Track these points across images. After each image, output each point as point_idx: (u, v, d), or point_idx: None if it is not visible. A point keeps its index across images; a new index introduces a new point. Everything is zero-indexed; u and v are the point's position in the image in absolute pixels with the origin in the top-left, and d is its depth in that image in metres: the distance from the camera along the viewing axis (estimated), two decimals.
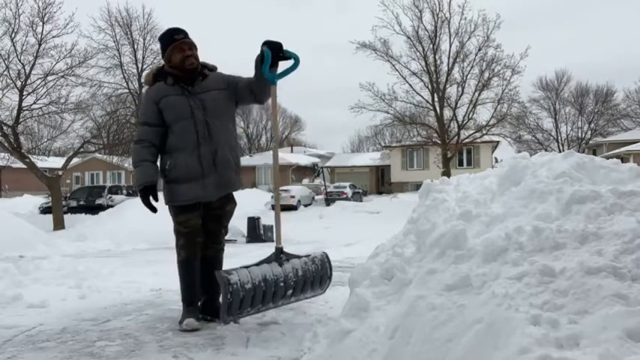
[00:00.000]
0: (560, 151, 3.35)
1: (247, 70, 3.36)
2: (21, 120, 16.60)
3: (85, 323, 3.53)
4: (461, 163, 32.93)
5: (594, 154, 22.35)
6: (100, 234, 11.93)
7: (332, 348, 2.44)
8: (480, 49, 24.67)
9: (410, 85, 25.79)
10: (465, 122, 25.45)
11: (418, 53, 25.57)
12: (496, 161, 33.00)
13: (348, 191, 30.25)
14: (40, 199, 26.59)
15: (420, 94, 25.94)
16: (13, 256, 8.21)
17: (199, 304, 3.42)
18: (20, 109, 16.36)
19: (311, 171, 42.31)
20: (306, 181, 38.17)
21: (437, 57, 25.45)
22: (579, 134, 46.34)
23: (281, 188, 29.35)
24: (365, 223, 19.49)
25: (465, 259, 2.40)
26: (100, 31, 22.22)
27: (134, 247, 11.01)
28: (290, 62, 3.16)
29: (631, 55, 70.52)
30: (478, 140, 27.54)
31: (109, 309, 3.98)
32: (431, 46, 25.40)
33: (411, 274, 2.58)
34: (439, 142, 25.72)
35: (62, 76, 16.94)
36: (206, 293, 3.43)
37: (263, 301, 3.08)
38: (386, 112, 26.25)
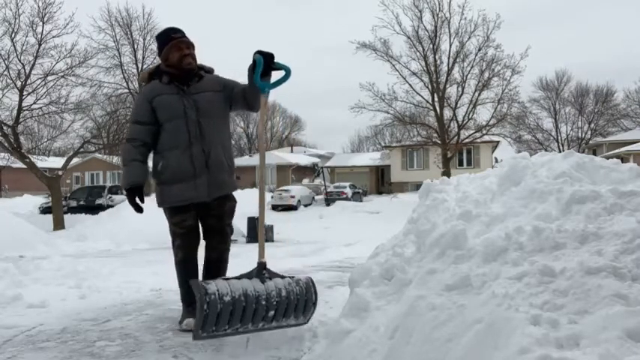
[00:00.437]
0: (560, 151, 3.35)
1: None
2: (21, 120, 16.60)
3: (85, 323, 3.53)
4: (461, 163, 32.93)
5: (594, 154, 22.36)
6: (100, 234, 11.92)
7: (332, 348, 2.44)
8: (479, 49, 24.73)
9: (410, 85, 25.87)
10: (465, 122, 25.47)
11: (418, 53, 25.64)
12: (496, 161, 32.99)
13: (348, 191, 30.25)
14: (40, 199, 26.59)
15: (420, 94, 26.01)
16: (13, 256, 8.21)
17: None
18: (20, 109, 16.36)
19: (311, 171, 42.31)
20: (306, 181, 38.17)
21: (437, 57, 25.49)
22: (579, 134, 46.37)
23: (281, 188, 29.47)
24: (365, 223, 19.50)
25: (465, 259, 2.40)
26: (100, 31, 22.31)
27: (134, 247, 11.01)
28: (281, 73, 3.14)
29: (631, 55, 70.60)
30: (478, 140, 27.56)
31: (109, 309, 3.98)
32: (431, 46, 25.43)
33: (411, 274, 2.58)
34: (439, 142, 25.73)
35: (62, 76, 16.94)
36: None
37: (242, 319, 2.75)
38: (386, 112, 26.30)
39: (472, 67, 25.05)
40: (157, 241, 10.38)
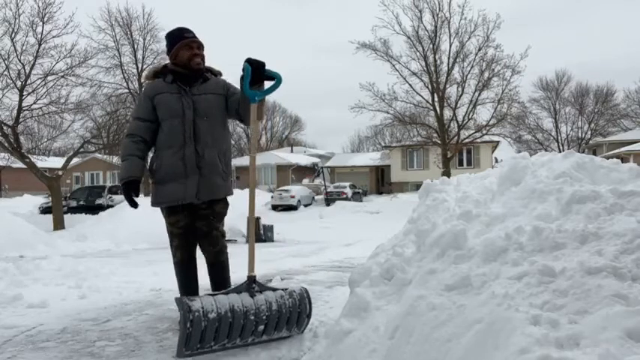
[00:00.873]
0: (560, 151, 3.35)
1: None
2: (21, 120, 16.59)
3: (85, 323, 3.53)
4: (461, 163, 32.92)
5: (594, 154, 22.35)
6: (100, 234, 11.93)
7: (332, 348, 2.44)
8: (479, 49, 24.71)
9: (410, 85, 25.85)
10: (465, 122, 25.46)
11: (418, 53, 25.62)
12: (496, 161, 33.00)
13: (348, 191, 30.25)
14: (40, 199, 26.58)
15: (420, 94, 25.99)
16: (13, 256, 8.21)
17: None
18: (20, 109, 16.35)
19: (311, 171, 42.31)
20: (306, 181, 38.15)
21: (437, 57, 25.48)
22: (579, 134, 46.38)
23: (281, 188, 29.47)
24: (365, 223, 19.50)
25: (465, 259, 2.40)
26: (100, 31, 22.29)
27: (134, 247, 11.01)
28: (272, 82, 3.11)
29: (631, 55, 70.57)
30: (478, 140, 27.54)
31: (109, 309, 3.98)
32: (431, 46, 25.42)
33: (411, 274, 2.58)
34: (439, 142, 25.73)
35: (62, 76, 16.93)
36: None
37: (229, 335, 2.70)
38: (386, 112, 26.29)
39: (472, 67, 25.06)
40: (156, 241, 10.38)
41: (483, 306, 1.99)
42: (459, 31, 24.97)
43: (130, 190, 3.17)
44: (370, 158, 38.83)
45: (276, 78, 3.08)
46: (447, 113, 25.81)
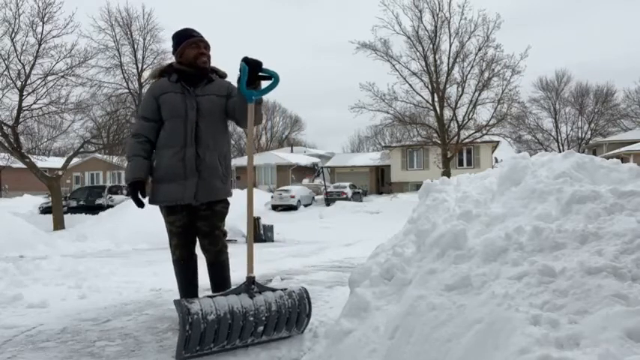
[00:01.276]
0: (560, 151, 3.35)
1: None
2: (21, 120, 16.60)
3: (85, 323, 3.53)
4: (461, 163, 32.92)
5: (594, 154, 22.35)
6: (100, 234, 11.93)
7: (332, 348, 2.44)
8: (479, 49, 24.69)
9: (410, 85, 25.83)
10: (465, 122, 25.45)
11: (418, 53, 25.61)
12: (496, 161, 32.99)
13: (348, 191, 30.24)
14: (40, 199, 26.59)
15: (420, 94, 25.98)
16: (13, 256, 8.21)
17: None
18: (20, 109, 16.36)
19: (311, 171, 42.31)
20: (306, 181, 38.16)
21: (437, 57, 25.47)
22: (579, 134, 46.39)
23: (281, 188, 29.46)
24: (365, 223, 19.49)
25: (465, 259, 2.40)
26: (100, 31, 22.24)
27: (134, 247, 11.01)
28: (269, 81, 3.10)
29: (631, 55, 70.58)
30: (478, 140, 27.53)
31: (109, 309, 3.98)
32: (431, 46, 25.41)
33: (411, 274, 2.58)
34: (439, 142, 25.73)
35: (62, 76, 16.94)
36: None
37: (229, 337, 2.70)
38: (386, 112, 26.27)
39: (472, 67, 25.04)
40: (156, 241, 10.38)
41: (483, 306, 1.99)
42: (459, 31, 24.98)
43: (136, 191, 3.18)
44: (370, 158, 38.82)
45: (273, 77, 3.06)
46: (447, 113, 25.83)
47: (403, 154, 35.79)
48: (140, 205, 3.23)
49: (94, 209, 20.22)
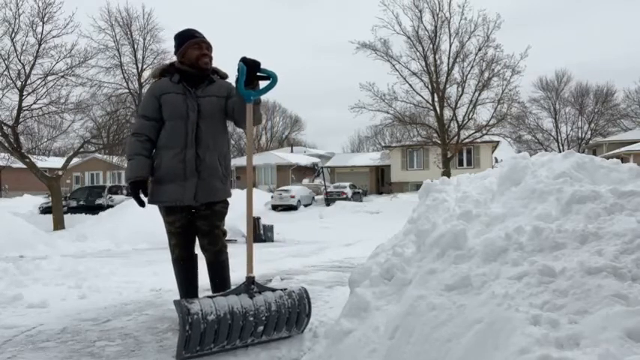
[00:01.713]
0: (560, 151, 3.35)
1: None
2: (21, 120, 16.59)
3: (85, 323, 3.53)
4: (461, 163, 32.92)
5: (594, 154, 22.35)
6: (100, 234, 11.93)
7: (332, 348, 2.44)
8: (479, 49, 24.70)
9: (410, 85, 25.84)
10: (465, 122, 25.45)
11: (418, 53, 25.61)
12: (496, 161, 32.99)
13: (348, 191, 30.24)
14: (40, 199, 26.58)
15: (420, 94, 25.98)
16: (13, 256, 8.21)
17: None
18: (20, 109, 16.35)
19: (311, 171, 42.31)
20: (306, 181, 38.16)
21: (437, 57, 25.47)
22: (579, 134, 46.39)
23: (281, 188, 29.46)
24: (365, 223, 19.49)
25: (465, 259, 2.40)
26: (100, 31, 22.23)
27: (134, 247, 11.01)
28: (268, 81, 3.10)
29: (631, 55, 70.59)
30: (478, 140, 27.53)
31: (109, 309, 3.98)
32: (431, 46, 25.42)
33: (411, 274, 2.58)
34: (439, 142, 25.73)
35: (62, 76, 16.93)
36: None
37: (229, 337, 2.71)
38: (386, 112, 26.28)
39: (472, 67, 25.04)
40: (156, 241, 10.38)
41: (483, 306, 1.99)
42: (459, 31, 24.98)
43: (137, 190, 3.18)
44: (370, 158, 38.82)
45: (271, 77, 3.06)
46: (447, 113, 25.83)
47: (403, 154, 35.79)
48: (141, 204, 3.23)
49: (94, 209, 20.21)
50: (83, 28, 28.81)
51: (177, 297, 3.50)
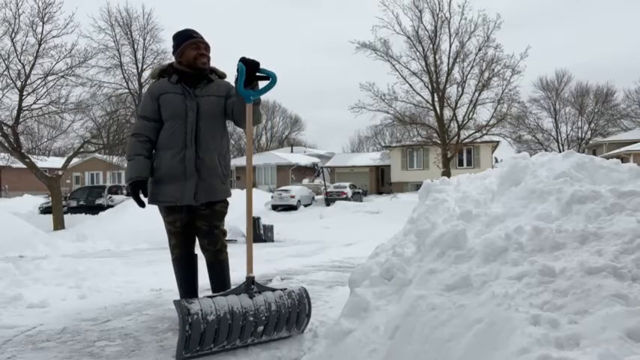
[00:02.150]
0: (560, 151, 3.35)
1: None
2: (21, 120, 16.60)
3: (85, 323, 3.53)
4: (461, 163, 32.91)
5: (594, 154, 22.35)
6: (100, 234, 11.93)
7: (332, 348, 2.44)
8: (479, 49, 24.71)
9: (410, 85, 25.84)
10: (465, 122, 25.46)
11: (418, 53, 25.62)
12: (496, 161, 32.98)
13: (348, 191, 30.23)
14: (40, 199, 26.59)
15: (420, 94, 25.99)
16: (13, 256, 8.21)
17: None
18: (20, 109, 16.36)
19: (311, 171, 42.31)
20: (306, 181, 38.16)
21: (437, 57, 25.47)
22: (579, 134, 46.39)
23: (281, 188, 29.46)
24: (365, 223, 19.49)
25: (465, 259, 2.40)
26: (100, 31, 22.25)
27: (134, 247, 11.02)
28: (267, 81, 3.09)
29: (631, 55, 70.60)
30: (478, 140, 27.53)
31: (109, 309, 3.98)
32: (431, 46, 25.42)
33: (411, 274, 2.58)
34: (439, 142, 25.73)
35: (62, 76, 16.95)
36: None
37: (229, 337, 2.71)
38: (386, 112, 26.29)
39: (472, 67, 25.05)
40: (156, 241, 10.40)
41: (483, 306, 1.99)
42: (459, 31, 24.99)
43: (137, 191, 3.18)
44: (370, 158, 38.83)
45: (270, 77, 3.06)
46: (447, 113, 25.84)
47: (403, 154, 35.79)
48: (141, 204, 3.23)
49: (94, 209, 20.23)
50: (83, 28, 28.86)
51: (177, 297, 3.50)
